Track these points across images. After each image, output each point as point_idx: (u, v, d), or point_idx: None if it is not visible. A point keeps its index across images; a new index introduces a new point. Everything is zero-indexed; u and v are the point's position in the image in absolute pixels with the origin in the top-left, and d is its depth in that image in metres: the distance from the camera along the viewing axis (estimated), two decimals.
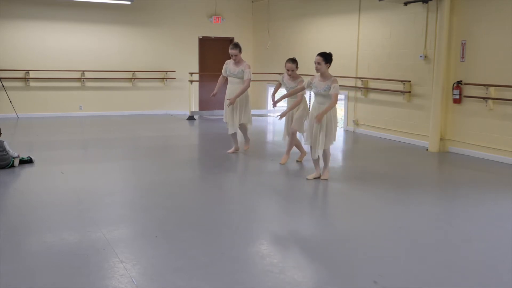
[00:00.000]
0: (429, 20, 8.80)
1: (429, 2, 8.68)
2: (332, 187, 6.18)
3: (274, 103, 7.31)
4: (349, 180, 6.66)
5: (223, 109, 8.12)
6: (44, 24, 12.30)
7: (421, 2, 8.81)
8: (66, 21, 12.47)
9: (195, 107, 13.70)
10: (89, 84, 12.86)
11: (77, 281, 3.41)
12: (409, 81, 9.27)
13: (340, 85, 6.26)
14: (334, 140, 6.35)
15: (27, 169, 6.73)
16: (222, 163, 7.51)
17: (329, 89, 6.05)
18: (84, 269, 3.60)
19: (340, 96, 11.18)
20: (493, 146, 7.83)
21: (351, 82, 10.64)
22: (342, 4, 10.90)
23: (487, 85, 7.84)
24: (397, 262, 3.88)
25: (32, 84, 12.31)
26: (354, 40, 10.61)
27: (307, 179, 6.41)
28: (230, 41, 12.93)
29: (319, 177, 6.43)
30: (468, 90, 8.22)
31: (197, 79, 13.53)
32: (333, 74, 6.26)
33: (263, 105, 14.10)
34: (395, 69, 9.62)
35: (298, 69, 7.24)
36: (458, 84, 8.28)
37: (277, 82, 7.65)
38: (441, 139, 8.59)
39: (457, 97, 8.29)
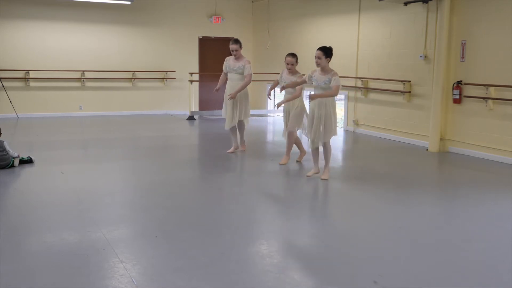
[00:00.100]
0: (429, 20, 8.80)
1: (429, 2, 8.68)
2: (332, 187, 6.18)
3: (278, 105, 7.28)
4: (349, 180, 6.66)
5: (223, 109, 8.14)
6: (44, 24, 12.30)
7: (421, 2, 8.81)
8: (66, 21, 12.47)
9: (195, 107, 13.70)
10: (89, 84, 12.86)
11: (77, 281, 3.41)
12: (409, 81, 9.27)
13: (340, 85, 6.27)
14: (335, 134, 6.33)
15: (27, 169, 6.73)
16: (222, 163, 7.51)
17: (330, 82, 6.05)
18: (84, 269, 3.60)
19: (340, 96, 11.22)
20: (493, 146, 7.83)
21: (351, 82, 10.64)
22: (342, 4, 10.90)
23: (487, 85, 7.84)
24: (397, 262, 3.88)
25: (32, 84, 12.31)
26: (354, 40, 10.61)
27: (307, 176, 6.46)
28: (230, 41, 12.91)
29: (317, 173, 6.43)
30: (468, 90, 8.22)
31: (197, 79, 13.53)
32: None
33: (263, 105, 14.09)
34: (395, 69, 9.62)
35: (297, 68, 7.25)
36: (458, 84, 8.28)
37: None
38: (441, 139, 8.59)
39: (457, 97, 8.29)
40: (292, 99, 7.04)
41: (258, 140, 9.70)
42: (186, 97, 13.00)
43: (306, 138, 6.97)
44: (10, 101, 11.84)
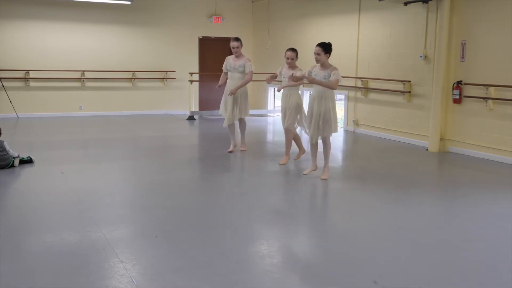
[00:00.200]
0: (429, 20, 8.80)
1: (429, 2, 8.68)
2: (332, 187, 6.18)
3: (278, 89, 7.21)
4: (349, 180, 6.66)
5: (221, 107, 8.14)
6: (44, 24, 12.30)
7: (421, 2, 8.81)
8: (66, 21, 12.47)
9: (195, 107, 13.70)
10: (89, 84, 12.86)
11: (77, 281, 3.41)
12: (409, 81, 9.27)
13: (340, 85, 6.26)
14: (335, 130, 6.30)
15: (27, 169, 6.73)
16: (222, 163, 7.51)
17: (329, 77, 6.03)
18: (84, 269, 3.60)
19: (340, 96, 11.23)
20: (493, 146, 7.83)
21: (351, 82, 10.64)
22: (342, 4, 10.90)
23: (487, 85, 7.84)
24: (397, 262, 3.88)
25: (32, 84, 12.31)
26: (354, 40, 10.61)
27: (304, 174, 6.47)
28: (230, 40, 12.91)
29: (315, 170, 6.42)
30: (468, 90, 8.22)
31: (197, 79, 13.53)
32: None
33: (263, 105, 14.10)
34: (395, 69, 9.62)
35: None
36: (458, 84, 8.28)
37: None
38: (441, 139, 8.59)
39: (457, 97, 8.29)
40: (294, 85, 6.92)
41: (258, 140, 9.70)
42: (186, 97, 13.00)
43: (306, 136, 6.96)
44: (10, 101, 11.84)
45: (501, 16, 7.63)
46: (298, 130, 7.45)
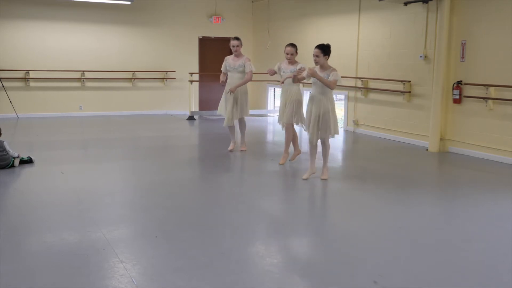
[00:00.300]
0: (429, 20, 8.80)
1: (429, 2, 8.68)
2: (332, 187, 6.18)
3: (281, 82, 7.11)
4: (349, 180, 6.66)
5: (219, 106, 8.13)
6: (44, 24, 12.30)
7: (421, 2, 8.81)
8: (66, 21, 12.47)
9: (195, 107, 13.71)
10: (89, 84, 12.86)
11: (77, 281, 3.41)
12: (409, 81, 9.27)
13: (340, 85, 6.25)
14: (336, 133, 6.26)
15: (27, 169, 6.73)
16: (222, 163, 7.51)
17: (327, 77, 6.01)
18: (84, 269, 3.60)
19: (340, 96, 11.24)
20: (493, 146, 7.83)
21: (351, 82, 10.64)
22: (342, 4, 10.90)
23: (487, 85, 7.84)
24: (397, 262, 3.88)
25: (32, 84, 12.31)
26: (354, 40, 10.61)
27: (303, 178, 6.38)
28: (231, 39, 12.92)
29: (314, 173, 6.41)
30: (468, 90, 8.22)
31: (197, 79, 13.53)
32: None
33: (263, 105, 14.10)
34: (395, 69, 9.62)
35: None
36: (458, 84, 8.28)
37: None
38: (441, 139, 8.59)
39: (457, 97, 8.29)
40: (299, 78, 6.84)
41: (258, 140, 9.70)
42: (186, 97, 13.00)
43: (307, 137, 6.93)
44: (10, 101, 11.84)
45: (501, 16, 7.63)
46: (297, 129, 7.43)
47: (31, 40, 12.20)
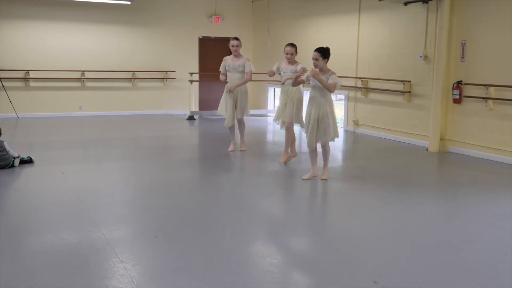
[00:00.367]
0: (429, 20, 8.80)
1: (429, 2, 8.68)
2: (332, 187, 6.18)
3: (282, 82, 7.08)
4: (349, 180, 6.66)
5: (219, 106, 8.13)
6: (44, 24, 12.30)
7: (421, 2, 8.81)
8: (66, 21, 12.47)
9: (195, 107, 13.71)
10: (89, 84, 12.86)
11: (77, 281, 3.41)
12: (409, 81, 9.27)
13: (340, 85, 6.24)
14: (337, 136, 6.23)
15: (27, 169, 6.73)
16: (222, 163, 7.51)
17: (327, 80, 5.99)
18: (84, 269, 3.60)
19: (340, 96, 11.24)
20: (493, 146, 7.83)
21: (351, 82, 10.64)
22: (342, 4, 10.90)
23: (487, 85, 7.84)
24: (397, 262, 3.88)
25: (32, 84, 12.31)
26: (354, 40, 10.61)
27: (303, 179, 6.38)
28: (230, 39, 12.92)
29: (315, 176, 6.39)
30: (468, 90, 8.22)
31: (197, 79, 13.54)
32: None
33: (263, 105, 14.10)
34: (395, 69, 9.62)
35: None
36: (458, 84, 8.28)
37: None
38: (441, 139, 8.59)
39: (457, 97, 8.29)
40: (300, 80, 6.82)
41: (258, 140, 9.70)
42: (186, 97, 13.00)
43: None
44: (10, 101, 11.84)
45: (501, 16, 7.63)
46: (297, 132, 7.39)
47: (31, 40, 12.20)
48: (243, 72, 7.72)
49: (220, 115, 8.59)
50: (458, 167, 7.59)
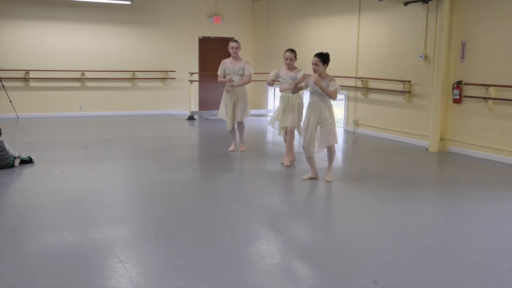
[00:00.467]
0: (429, 20, 8.80)
1: (429, 2, 8.68)
2: (332, 187, 6.17)
3: (280, 90, 7.07)
4: (349, 180, 6.66)
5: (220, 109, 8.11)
6: (44, 24, 12.30)
7: (421, 2, 8.81)
8: (66, 21, 12.48)
9: (195, 107, 13.70)
10: (89, 84, 12.86)
11: (77, 281, 3.41)
12: (409, 81, 9.27)
13: (340, 85, 6.23)
14: (336, 141, 6.19)
15: (27, 169, 6.73)
16: (222, 163, 7.51)
17: (327, 87, 5.98)
18: (84, 269, 3.60)
19: (340, 96, 11.21)
20: (493, 146, 7.83)
21: (351, 82, 10.64)
22: (342, 4, 10.90)
23: (487, 85, 7.84)
24: (397, 262, 3.88)
25: (32, 84, 12.31)
26: (354, 40, 10.61)
27: (302, 179, 6.38)
28: (230, 41, 12.92)
29: (315, 178, 6.37)
30: (468, 90, 8.22)
31: (197, 79, 13.54)
32: (333, 74, 6.23)
33: (263, 105, 14.10)
34: (395, 69, 9.62)
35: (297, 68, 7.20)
36: (458, 84, 8.28)
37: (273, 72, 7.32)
38: (441, 139, 8.59)
39: (457, 97, 8.30)
40: (294, 88, 6.80)
41: (258, 140, 9.70)
42: (186, 97, 13.00)
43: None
44: (10, 101, 11.84)
45: (501, 16, 7.63)
46: (297, 137, 7.34)
47: (31, 40, 12.20)
48: (243, 75, 7.71)
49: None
50: (458, 167, 7.59)
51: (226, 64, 7.78)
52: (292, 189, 6.26)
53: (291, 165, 7.11)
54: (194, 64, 13.81)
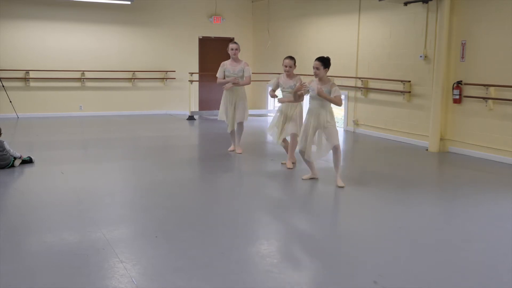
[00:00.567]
0: (429, 20, 8.80)
1: (429, 2, 8.68)
2: (332, 187, 6.17)
3: (279, 100, 7.03)
4: (349, 180, 6.64)
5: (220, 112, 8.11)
6: (44, 24, 12.30)
7: (421, 2, 8.81)
8: (66, 21, 12.48)
9: (195, 107, 13.70)
10: (89, 84, 12.86)
11: (77, 281, 3.41)
12: (409, 81, 9.27)
13: (340, 85, 6.23)
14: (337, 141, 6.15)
15: (27, 169, 6.73)
16: (222, 163, 7.51)
17: (329, 93, 5.97)
18: (84, 269, 3.60)
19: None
20: (493, 146, 7.83)
21: (351, 82, 10.64)
22: (342, 4, 10.90)
23: (487, 85, 7.84)
24: (397, 262, 3.88)
25: (32, 84, 12.31)
26: (354, 40, 10.61)
27: (302, 179, 6.39)
28: (230, 41, 12.93)
29: (315, 178, 6.37)
30: (468, 90, 8.22)
31: (197, 79, 13.54)
32: (333, 74, 6.23)
33: (263, 105, 14.09)
34: (395, 69, 9.62)
35: (297, 68, 7.19)
36: (458, 84, 8.28)
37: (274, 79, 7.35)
38: (441, 139, 8.59)
39: (457, 97, 8.30)
40: (295, 101, 6.74)
41: (258, 140, 9.70)
42: (186, 97, 13.00)
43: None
44: (10, 101, 11.84)
45: (501, 16, 7.63)
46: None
47: (31, 40, 12.20)
48: (243, 77, 7.71)
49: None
50: (458, 167, 7.59)
51: (226, 66, 7.76)
52: (292, 189, 6.26)
53: (294, 167, 7.07)
54: (194, 64, 13.81)
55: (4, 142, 6.70)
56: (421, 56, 8.97)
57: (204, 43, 14.02)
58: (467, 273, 3.72)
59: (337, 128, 6.36)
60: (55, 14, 12.34)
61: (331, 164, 6.71)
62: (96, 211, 4.99)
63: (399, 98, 9.54)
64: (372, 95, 10.30)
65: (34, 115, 12.23)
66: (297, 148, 6.39)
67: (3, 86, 11.86)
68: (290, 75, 6.99)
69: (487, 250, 4.18)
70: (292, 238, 4.48)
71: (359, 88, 10.50)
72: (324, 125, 6.04)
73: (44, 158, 7.31)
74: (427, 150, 8.68)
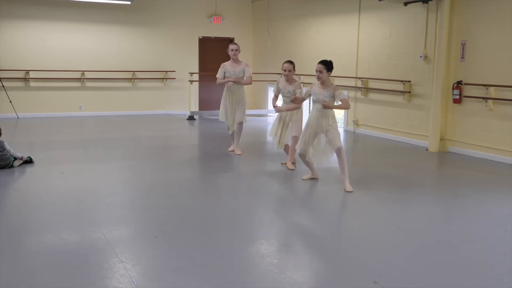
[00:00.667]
0: (429, 20, 8.80)
1: (429, 2, 8.68)
2: (332, 187, 6.17)
3: (277, 110, 6.96)
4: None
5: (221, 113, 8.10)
6: (44, 24, 12.30)
7: (421, 2, 8.81)
8: (66, 21, 12.48)
9: (195, 107, 13.71)
10: (89, 84, 12.86)
11: (77, 281, 3.41)
12: (409, 81, 9.27)
13: (340, 85, 6.24)
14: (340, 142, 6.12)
15: (27, 169, 6.73)
16: (222, 163, 7.51)
17: (331, 96, 5.94)
18: (84, 269, 3.60)
19: None
20: (493, 146, 7.83)
21: (351, 82, 10.64)
22: (342, 4, 10.90)
23: (487, 85, 7.84)
24: (397, 262, 3.88)
25: (32, 84, 12.31)
26: (354, 40, 10.61)
27: (302, 179, 6.39)
28: (230, 41, 12.94)
29: (315, 178, 6.36)
30: (468, 90, 8.22)
31: (197, 79, 13.54)
32: (333, 74, 6.22)
33: (263, 105, 14.09)
34: (395, 69, 9.62)
35: (297, 68, 7.20)
36: (458, 84, 8.28)
37: (275, 83, 7.43)
38: (441, 139, 8.59)
39: (457, 97, 8.30)
40: (293, 109, 6.76)
41: (258, 140, 9.70)
42: (186, 97, 13.00)
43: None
44: (10, 101, 11.84)
45: (501, 16, 7.63)
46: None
47: (31, 40, 12.20)
48: (244, 78, 7.71)
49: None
50: (458, 167, 7.59)
51: (227, 67, 7.75)
52: (292, 189, 6.26)
53: (295, 167, 7.06)
54: (194, 64, 13.81)
55: (4, 142, 6.70)
56: (421, 56, 8.97)
57: (204, 43, 14.02)
58: (467, 273, 3.72)
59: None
60: (55, 14, 12.34)
61: (331, 164, 6.73)
62: (96, 211, 4.99)
63: (399, 98, 9.54)
64: (372, 95, 10.30)
65: (34, 115, 12.24)
66: (297, 151, 6.39)
67: (3, 86, 11.86)
68: (289, 79, 6.96)
69: (487, 250, 4.17)
70: (292, 238, 4.48)
71: (359, 88, 10.50)
72: (326, 128, 6.01)
73: (44, 158, 7.31)
74: (427, 150, 8.68)
